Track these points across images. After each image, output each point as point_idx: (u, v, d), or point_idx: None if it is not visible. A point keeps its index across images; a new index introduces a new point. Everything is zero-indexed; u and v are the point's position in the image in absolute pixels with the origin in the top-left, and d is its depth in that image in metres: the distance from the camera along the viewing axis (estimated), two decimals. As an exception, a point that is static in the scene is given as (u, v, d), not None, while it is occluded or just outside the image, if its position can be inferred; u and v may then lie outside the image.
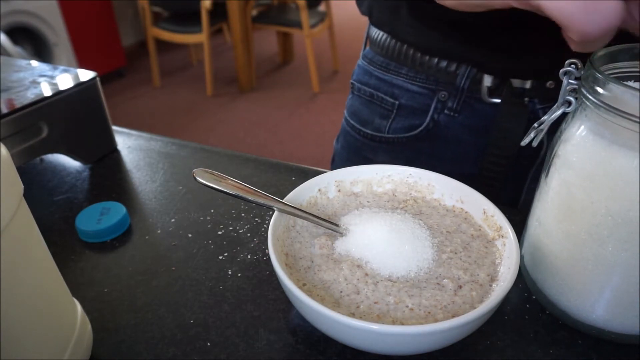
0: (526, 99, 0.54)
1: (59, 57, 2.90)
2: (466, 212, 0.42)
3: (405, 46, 0.59)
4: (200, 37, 3.01)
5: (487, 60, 0.54)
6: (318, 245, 0.38)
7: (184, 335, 0.37)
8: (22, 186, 0.28)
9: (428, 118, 0.60)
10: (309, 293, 0.33)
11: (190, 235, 0.47)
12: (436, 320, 0.32)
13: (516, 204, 0.62)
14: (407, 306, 0.33)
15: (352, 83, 0.68)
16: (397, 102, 0.62)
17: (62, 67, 0.61)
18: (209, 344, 0.36)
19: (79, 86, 0.56)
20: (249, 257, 0.45)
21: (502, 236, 0.37)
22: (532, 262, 0.39)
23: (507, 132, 0.55)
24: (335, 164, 0.73)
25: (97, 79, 0.59)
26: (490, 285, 0.35)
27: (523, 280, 0.41)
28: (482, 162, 0.59)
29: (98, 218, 0.47)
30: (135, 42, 3.94)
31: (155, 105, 3.08)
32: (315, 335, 0.37)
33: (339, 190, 0.45)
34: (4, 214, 0.24)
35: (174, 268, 0.43)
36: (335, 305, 0.33)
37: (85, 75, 0.58)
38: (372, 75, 0.64)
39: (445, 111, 0.59)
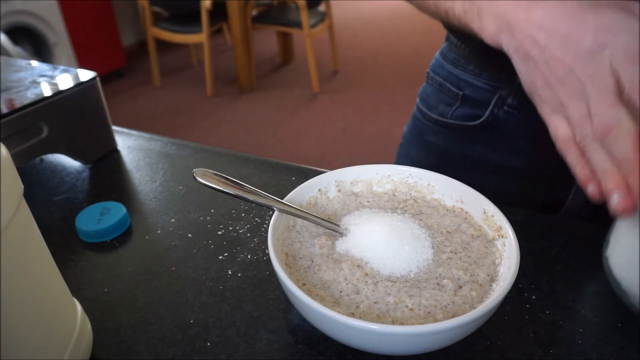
0: None
1: (59, 57, 2.89)
2: (466, 212, 0.42)
3: (471, 49, 0.61)
4: (200, 37, 3.01)
5: None
6: (318, 245, 0.38)
7: (184, 335, 0.37)
8: (22, 186, 0.28)
9: (488, 111, 0.62)
10: (309, 293, 0.33)
11: (190, 235, 0.47)
12: (436, 321, 0.32)
13: (562, 204, 0.63)
14: (407, 306, 0.33)
15: (427, 72, 0.72)
16: (461, 93, 0.65)
17: (62, 67, 0.61)
18: (209, 344, 0.36)
19: (79, 86, 0.56)
20: (249, 257, 0.45)
21: (502, 236, 0.37)
22: (618, 262, 0.39)
23: None
24: (402, 147, 0.77)
25: (97, 79, 0.59)
26: (490, 285, 0.35)
27: (523, 280, 0.41)
28: (533, 159, 0.60)
29: (98, 218, 0.47)
30: (135, 42, 3.94)
31: (155, 105, 3.08)
32: (315, 335, 0.37)
33: (339, 190, 0.45)
34: (4, 214, 0.24)
35: (174, 268, 0.43)
36: (335, 305, 0.33)
37: (85, 75, 0.58)
38: (444, 69, 0.68)
39: (505, 107, 0.61)
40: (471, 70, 0.63)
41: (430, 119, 0.70)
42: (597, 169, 0.34)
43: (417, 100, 0.73)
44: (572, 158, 0.36)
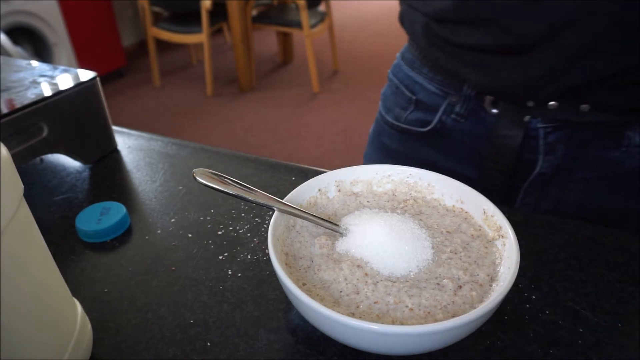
0: (527, 117, 0.54)
1: (59, 57, 2.90)
2: (466, 212, 0.42)
3: (426, 52, 0.61)
4: (200, 37, 3.01)
5: (479, 82, 0.55)
6: (318, 244, 0.38)
7: (184, 335, 0.37)
8: (22, 186, 0.28)
9: (437, 118, 0.62)
10: (309, 293, 0.33)
11: (190, 235, 0.47)
12: (436, 321, 0.32)
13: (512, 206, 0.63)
14: (406, 306, 0.33)
15: (388, 73, 0.72)
16: (414, 97, 0.65)
17: (62, 67, 0.61)
18: (209, 344, 0.36)
19: (79, 86, 0.56)
20: (249, 257, 0.45)
21: (502, 236, 0.37)
22: None
23: (503, 146, 0.57)
24: (366, 148, 0.78)
25: (97, 79, 0.59)
26: (490, 286, 0.35)
27: (523, 280, 0.41)
28: (482, 169, 0.60)
29: (98, 218, 0.47)
30: (135, 42, 3.94)
31: (155, 105, 3.08)
32: (315, 335, 0.37)
33: (339, 190, 0.45)
34: (4, 214, 0.24)
35: (174, 268, 0.43)
36: (335, 305, 0.33)
37: (85, 75, 0.58)
38: (401, 70, 0.68)
39: (453, 115, 0.61)
40: (425, 74, 0.62)
41: (386, 122, 0.69)
42: None
43: (380, 101, 0.73)
44: None
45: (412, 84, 0.65)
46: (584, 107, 0.51)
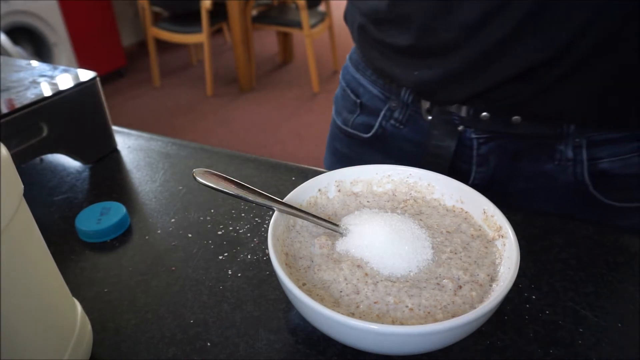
0: (461, 127, 0.55)
1: (59, 57, 2.90)
2: (466, 212, 0.42)
3: (370, 53, 0.61)
4: (200, 37, 3.01)
5: (418, 86, 0.56)
6: (318, 244, 0.38)
7: (184, 335, 0.37)
8: (22, 186, 0.28)
9: (377, 123, 0.62)
10: (309, 293, 0.33)
11: (190, 235, 0.47)
12: (436, 321, 0.32)
13: None
14: (406, 306, 0.33)
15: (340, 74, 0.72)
16: (359, 101, 0.64)
17: (62, 67, 0.61)
18: (209, 344, 0.36)
19: (79, 86, 0.56)
20: (249, 257, 0.45)
21: (502, 236, 0.37)
22: None
23: (437, 155, 0.57)
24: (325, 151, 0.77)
25: (97, 79, 0.59)
26: (490, 286, 0.35)
27: (523, 280, 0.41)
28: None
29: (98, 218, 0.47)
30: (135, 42, 3.94)
31: (155, 105, 3.08)
32: (315, 335, 0.37)
33: (339, 190, 0.45)
34: (4, 214, 0.24)
35: (174, 268, 0.43)
36: (335, 305, 0.33)
37: (85, 75, 0.58)
38: (348, 72, 0.67)
39: (392, 121, 0.61)
40: (369, 76, 0.62)
41: (337, 126, 0.69)
42: None
43: (333, 105, 0.73)
44: None
45: (357, 86, 0.64)
46: (516, 118, 0.51)
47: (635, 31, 0.41)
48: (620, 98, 0.46)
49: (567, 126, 0.50)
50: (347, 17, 0.62)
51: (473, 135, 0.54)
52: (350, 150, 0.68)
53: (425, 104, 0.57)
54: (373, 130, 0.63)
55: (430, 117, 0.57)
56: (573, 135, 0.50)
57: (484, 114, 0.52)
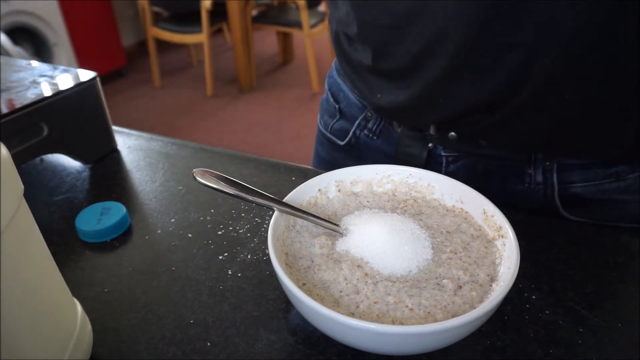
0: (430, 144, 0.55)
1: (59, 57, 2.89)
2: (466, 212, 0.42)
3: (350, 60, 0.60)
4: (200, 37, 3.01)
5: (376, 104, 0.55)
6: (318, 244, 0.38)
7: (184, 335, 0.37)
8: (22, 186, 0.28)
9: (351, 132, 0.62)
10: (309, 293, 0.33)
11: (190, 235, 0.47)
12: (436, 321, 0.32)
13: None
14: (406, 306, 0.33)
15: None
16: (338, 106, 0.64)
17: (62, 67, 0.61)
18: (209, 344, 0.36)
19: (79, 86, 0.56)
20: (249, 257, 0.45)
21: (502, 236, 0.37)
22: None
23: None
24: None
25: (97, 79, 0.59)
26: (490, 285, 0.35)
27: (523, 280, 0.41)
28: None
29: (98, 218, 0.47)
30: (135, 42, 3.94)
31: (155, 105, 3.08)
32: (315, 335, 0.37)
33: (339, 190, 0.45)
34: (4, 214, 0.24)
35: (174, 268, 0.43)
36: (335, 305, 0.33)
37: (85, 75, 0.58)
38: (332, 76, 0.67)
39: (365, 131, 0.61)
40: (350, 83, 0.62)
41: (319, 129, 0.69)
42: None
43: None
44: None
45: (338, 91, 0.64)
46: (482, 142, 0.51)
47: (579, 71, 0.40)
48: (577, 130, 0.45)
49: (535, 153, 0.49)
50: (329, 21, 0.61)
51: (443, 153, 0.55)
52: (329, 155, 0.68)
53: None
54: (347, 138, 0.63)
55: (400, 130, 0.57)
56: (542, 159, 0.49)
57: (452, 133, 0.52)
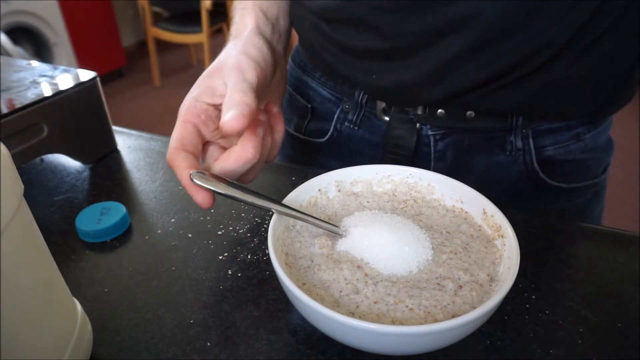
0: (418, 124, 0.56)
1: (59, 57, 2.90)
2: (466, 212, 0.42)
3: (317, 54, 0.59)
4: (200, 37, 3.01)
5: (368, 86, 0.56)
6: (318, 245, 0.38)
7: (184, 335, 0.37)
8: (22, 186, 0.28)
9: (332, 127, 0.62)
10: (309, 292, 0.33)
11: (190, 235, 0.47)
12: (436, 321, 0.32)
13: None
14: (407, 306, 0.33)
15: None
16: (309, 106, 0.63)
17: (62, 67, 0.61)
18: (209, 343, 0.36)
19: (79, 86, 0.56)
20: (249, 257, 0.45)
21: (502, 236, 0.37)
22: None
23: (398, 154, 0.58)
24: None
25: (97, 79, 0.59)
26: (490, 285, 0.35)
27: (523, 280, 0.41)
28: None
29: (98, 218, 0.47)
30: (135, 42, 3.94)
31: (156, 105, 3.08)
32: (315, 335, 0.37)
33: (339, 190, 0.45)
34: (4, 214, 0.24)
35: (174, 268, 0.43)
36: (335, 305, 0.33)
37: (86, 75, 0.58)
38: (292, 75, 0.66)
39: (346, 123, 0.61)
40: (318, 78, 0.61)
41: (288, 133, 0.68)
42: None
43: None
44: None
45: (306, 90, 0.63)
46: (470, 113, 0.53)
47: (570, 47, 0.46)
48: (556, 96, 0.51)
49: (515, 119, 0.53)
50: (294, 15, 0.60)
51: (430, 132, 0.56)
52: (304, 155, 0.67)
53: (381, 104, 0.57)
54: (328, 134, 0.62)
55: (387, 118, 0.57)
56: (521, 126, 0.54)
57: (440, 111, 0.54)
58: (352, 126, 0.60)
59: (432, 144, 0.56)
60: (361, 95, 0.58)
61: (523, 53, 0.46)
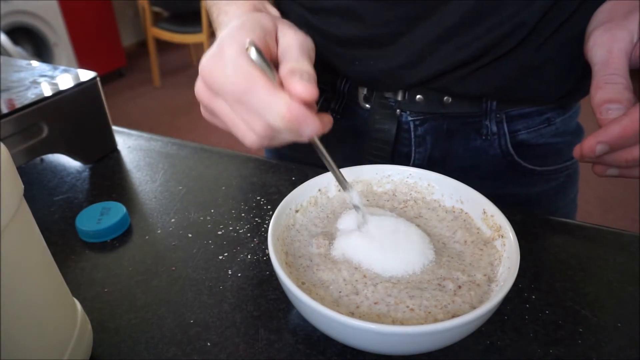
0: (398, 110, 0.57)
1: (59, 57, 2.90)
2: (466, 212, 0.42)
3: None
4: (200, 37, 3.01)
5: (352, 72, 0.57)
6: (315, 244, 0.38)
7: (184, 335, 0.37)
8: (23, 186, 0.28)
9: None
10: (308, 292, 0.33)
11: (190, 235, 0.47)
12: (436, 321, 0.32)
13: None
14: (407, 306, 0.33)
15: None
16: None
17: (62, 67, 0.61)
18: (209, 343, 0.36)
19: (79, 86, 0.56)
20: (249, 257, 0.45)
21: (502, 236, 0.37)
22: None
23: (379, 140, 0.59)
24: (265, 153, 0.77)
25: (97, 79, 0.59)
26: (489, 286, 0.35)
27: (523, 280, 0.41)
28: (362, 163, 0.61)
29: (98, 218, 0.47)
30: (135, 42, 3.94)
31: (155, 105, 3.08)
32: (315, 335, 0.37)
33: (339, 190, 0.45)
34: (4, 214, 0.24)
35: (174, 268, 0.43)
36: (335, 304, 0.33)
37: (86, 75, 0.58)
38: None
39: (329, 112, 0.61)
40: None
41: None
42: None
43: None
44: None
45: None
46: (447, 98, 0.55)
47: (538, 30, 0.49)
48: (527, 79, 0.53)
49: (490, 103, 0.55)
50: (279, 11, 0.59)
51: (409, 118, 0.58)
52: (289, 149, 0.66)
53: (362, 92, 0.59)
54: None
55: (368, 105, 0.59)
56: (495, 110, 0.56)
57: (419, 96, 0.56)
58: (334, 115, 0.61)
59: (412, 129, 0.58)
60: (343, 83, 0.59)
61: (496, 35, 0.48)
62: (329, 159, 0.38)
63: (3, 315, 0.25)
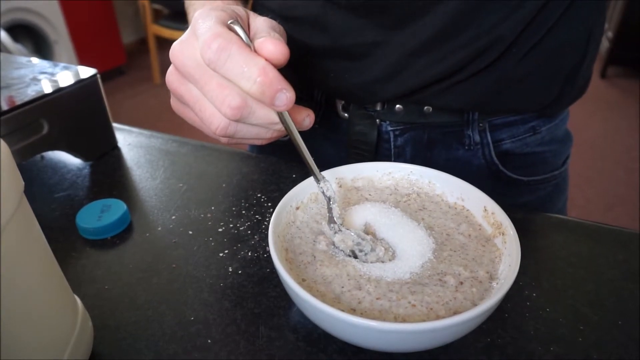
0: (378, 120, 0.57)
1: (59, 54, 2.89)
2: (467, 209, 0.42)
3: None
4: (200, 35, 3.00)
5: (326, 86, 0.56)
6: (324, 242, 0.38)
7: (185, 333, 0.37)
8: (23, 183, 0.28)
9: None
10: (309, 289, 0.33)
11: (190, 233, 0.47)
12: (438, 317, 0.32)
13: None
14: (409, 302, 0.33)
15: None
16: None
17: (62, 64, 0.61)
18: (209, 341, 0.36)
19: (80, 83, 0.56)
20: (249, 254, 0.45)
21: (503, 233, 0.37)
22: None
23: (359, 149, 0.58)
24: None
25: (98, 76, 0.59)
26: (490, 283, 0.35)
27: (524, 277, 0.41)
28: None
29: (99, 215, 0.47)
30: (135, 39, 3.93)
31: (156, 103, 3.08)
32: (316, 332, 0.37)
33: (340, 186, 0.45)
34: (4, 211, 0.24)
35: (174, 265, 0.43)
36: (336, 301, 0.33)
37: (86, 72, 0.58)
38: None
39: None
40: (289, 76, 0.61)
41: None
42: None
43: None
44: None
45: None
46: (427, 108, 0.54)
47: (519, 43, 0.48)
48: (509, 92, 0.52)
49: (472, 113, 0.55)
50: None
51: (389, 128, 0.57)
52: (273, 153, 0.66)
53: (340, 102, 0.58)
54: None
55: (346, 115, 0.58)
56: (477, 120, 0.55)
57: (398, 106, 0.55)
58: (313, 124, 0.60)
59: (392, 139, 0.58)
60: (320, 94, 0.59)
61: (473, 49, 0.47)
62: (301, 144, 0.38)
63: (3, 313, 0.25)
